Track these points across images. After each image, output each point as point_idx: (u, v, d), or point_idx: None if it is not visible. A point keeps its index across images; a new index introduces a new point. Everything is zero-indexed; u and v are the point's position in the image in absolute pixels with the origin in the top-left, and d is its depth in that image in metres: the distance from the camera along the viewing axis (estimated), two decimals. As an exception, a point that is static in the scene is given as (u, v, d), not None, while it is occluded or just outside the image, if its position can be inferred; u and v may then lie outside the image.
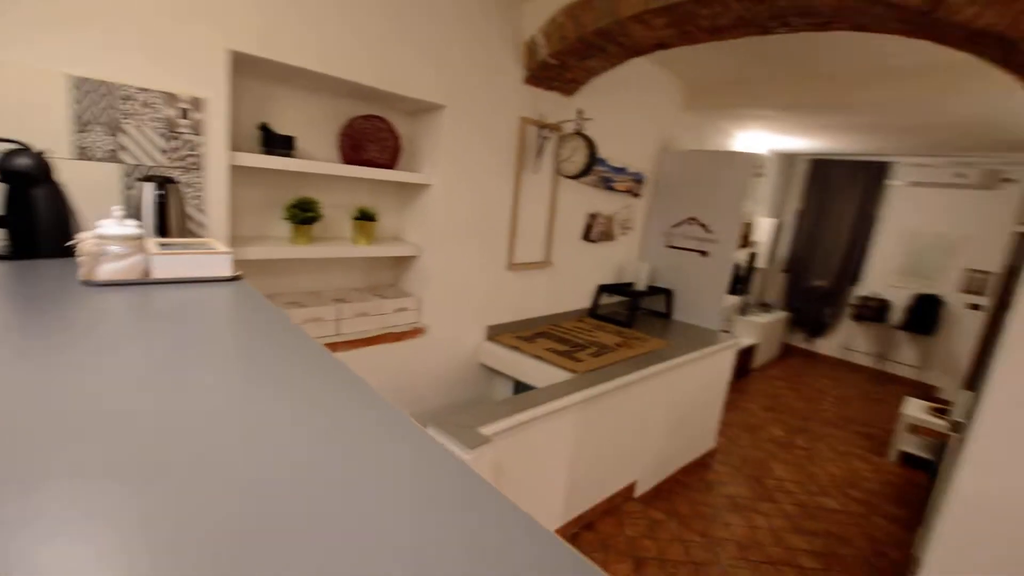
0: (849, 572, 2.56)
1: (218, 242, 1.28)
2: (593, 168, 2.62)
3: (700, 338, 3.26)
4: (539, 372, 2.53)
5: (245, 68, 1.75)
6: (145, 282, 1.05)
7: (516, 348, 2.65)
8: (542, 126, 2.70)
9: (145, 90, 1.46)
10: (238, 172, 1.78)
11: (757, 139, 5.06)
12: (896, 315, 5.81)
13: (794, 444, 3.94)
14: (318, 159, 2.15)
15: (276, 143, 1.89)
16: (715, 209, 3.50)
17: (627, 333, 3.13)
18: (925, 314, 5.57)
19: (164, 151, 1.53)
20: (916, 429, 3.79)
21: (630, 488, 2.82)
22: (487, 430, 1.76)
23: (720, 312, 3.56)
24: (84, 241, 1.10)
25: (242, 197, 1.93)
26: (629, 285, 3.68)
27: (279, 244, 1.96)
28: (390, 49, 1.95)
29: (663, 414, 2.88)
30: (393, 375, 2.41)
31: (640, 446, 2.78)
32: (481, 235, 2.57)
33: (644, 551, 2.41)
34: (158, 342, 0.78)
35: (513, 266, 2.77)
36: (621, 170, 3.35)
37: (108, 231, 1.02)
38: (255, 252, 1.83)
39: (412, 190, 2.44)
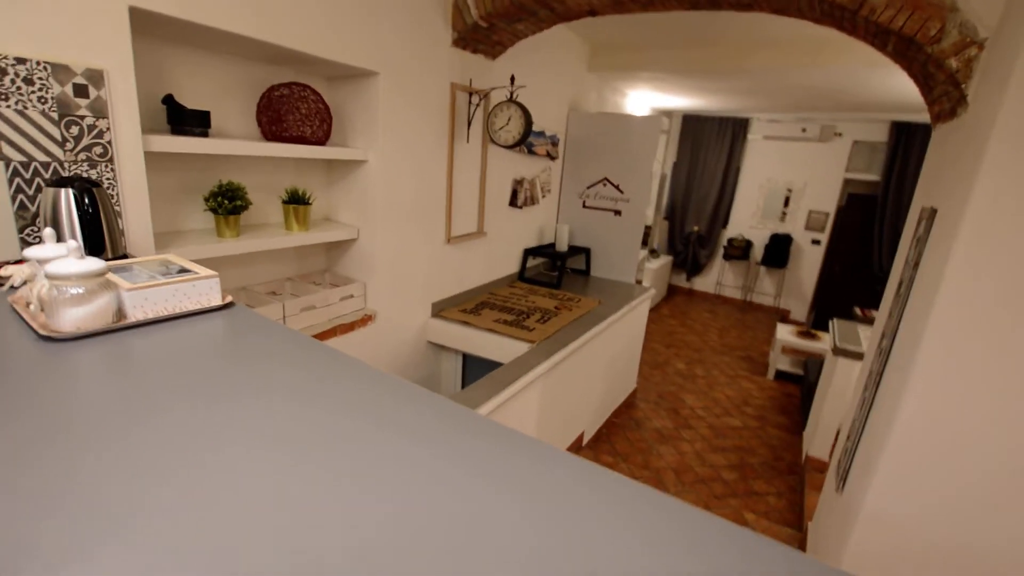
0: (759, 477, 3.07)
1: (183, 260, 1.07)
2: (529, 137, 2.59)
3: (622, 292, 3.51)
4: (492, 344, 2.55)
5: (138, 27, 1.41)
6: (121, 328, 0.85)
7: (466, 323, 2.62)
8: (471, 92, 2.58)
9: (23, 60, 1.12)
10: (147, 159, 1.47)
11: (644, 98, 5.37)
12: (757, 253, 6.76)
13: (695, 374, 4.50)
14: (234, 136, 1.85)
15: (187, 120, 1.58)
16: (626, 170, 3.69)
17: (559, 295, 3.25)
18: (779, 251, 6.56)
19: (60, 141, 1.21)
20: (787, 350, 4.53)
21: (579, 439, 3.03)
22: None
23: (635, 266, 3.84)
24: (20, 278, 0.86)
25: (151, 188, 1.60)
26: (551, 246, 3.79)
27: (204, 240, 1.68)
28: (315, 7, 1.70)
29: (602, 367, 3.10)
30: None
31: (586, 400, 2.98)
32: (420, 210, 2.44)
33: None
34: (214, 413, 0.66)
35: (452, 239, 2.70)
36: (539, 133, 3.36)
37: (64, 269, 0.80)
38: (182, 254, 1.55)
39: (344, 167, 2.21)
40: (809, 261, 6.46)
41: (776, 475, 3.10)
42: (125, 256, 1.17)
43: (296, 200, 1.98)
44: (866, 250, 6.15)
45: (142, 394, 0.66)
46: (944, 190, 1.48)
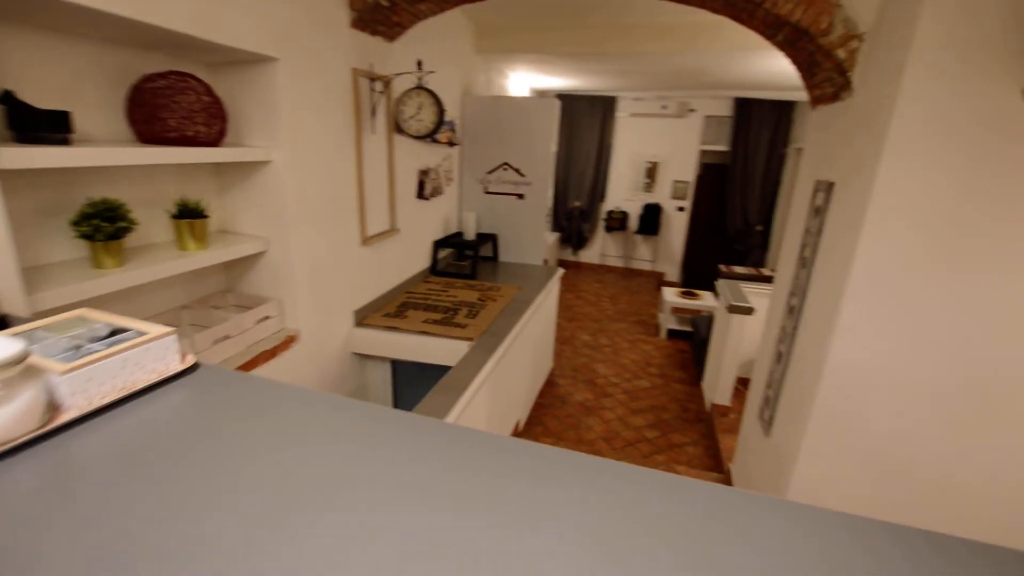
0: (675, 430, 3.38)
1: (104, 314, 0.82)
2: (442, 126, 2.46)
3: (534, 275, 3.56)
4: (425, 347, 2.42)
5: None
6: (58, 428, 0.63)
7: (394, 328, 2.46)
8: (373, 78, 2.36)
9: None
10: (-9, 178, 1.10)
11: (523, 79, 5.42)
12: (633, 223, 7.33)
13: (601, 344, 4.78)
14: (99, 141, 1.48)
15: (39, 124, 1.21)
16: (525, 153, 3.71)
17: (477, 285, 3.20)
18: (651, 219, 7.18)
19: None
20: (675, 310, 5.01)
21: (516, 427, 3.05)
22: (444, 428, 1.66)
23: (542, 248, 3.92)
24: None
25: (-7, 215, 1.22)
26: (458, 236, 3.70)
27: (78, 275, 1.33)
28: (196, -22, 1.40)
29: (529, 352, 3.14)
30: None
31: (519, 388, 3.00)
32: (334, 212, 2.20)
33: (553, 476, 2.70)
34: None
35: (367, 240, 2.48)
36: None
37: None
38: (57, 297, 1.21)
39: (240, 170, 1.89)
40: (677, 227, 7.17)
41: (688, 425, 3.44)
42: (3, 320, 0.87)
43: (190, 213, 1.65)
44: (721, 213, 7.01)
45: (118, 542, 0.49)
46: (840, 165, 1.71)
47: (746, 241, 6.78)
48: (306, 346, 2.11)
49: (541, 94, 6.71)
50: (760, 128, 6.32)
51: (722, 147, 6.71)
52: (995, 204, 1.35)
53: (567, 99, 6.94)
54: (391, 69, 2.50)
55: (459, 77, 3.54)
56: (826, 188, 1.79)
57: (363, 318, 2.53)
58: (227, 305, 2.02)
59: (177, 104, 1.58)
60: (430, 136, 2.48)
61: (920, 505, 1.64)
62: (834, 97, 1.86)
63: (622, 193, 7.29)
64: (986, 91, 1.30)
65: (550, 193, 3.93)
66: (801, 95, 5.58)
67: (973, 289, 1.43)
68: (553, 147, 3.73)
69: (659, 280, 7.31)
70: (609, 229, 7.35)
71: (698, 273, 7.25)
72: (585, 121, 6.97)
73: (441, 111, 2.38)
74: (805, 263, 1.90)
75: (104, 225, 1.36)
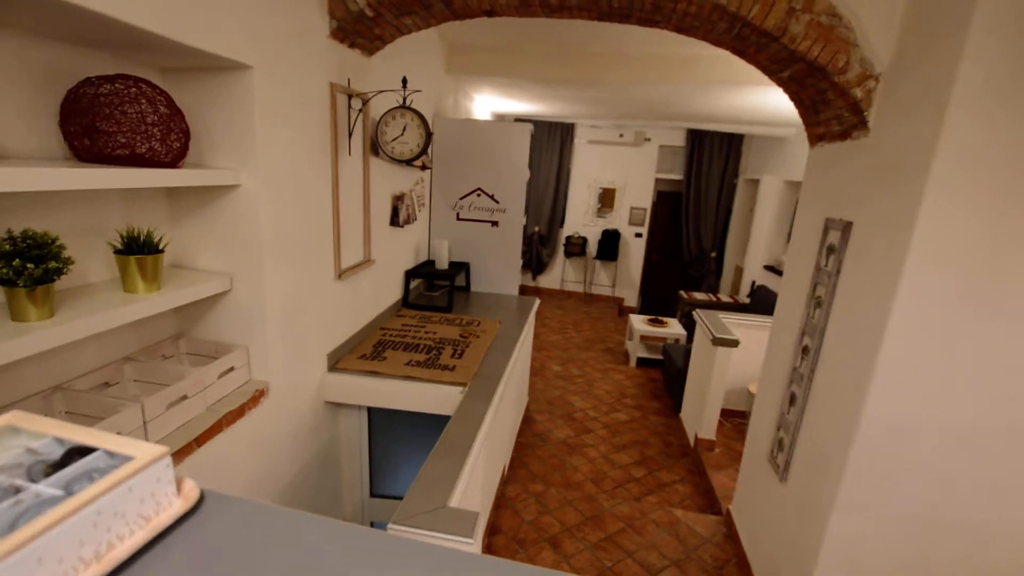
0: (661, 466, 3.27)
1: (53, 423, 0.56)
2: (429, 148, 2.26)
3: (510, 306, 3.39)
4: (409, 393, 2.17)
5: None
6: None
7: (374, 372, 2.18)
8: (351, 95, 2.14)
9: None
10: None
11: (487, 102, 5.32)
12: (592, 248, 7.35)
13: (572, 375, 4.65)
14: (24, 156, 1.17)
15: (-60, 135, 0.91)
16: (499, 179, 3.56)
17: (456, 319, 2.98)
18: (610, 245, 7.22)
19: None
20: (645, 338, 4.98)
21: (503, 473, 2.81)
22: (457, 500, 1.43)
23: (517, 277, 3.75)
24: None
25: None
26: (429, 264, 3.47)
27: (-9, 333, 1.02)
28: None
29: (513, 390, 2.93)
30: (246, 466, 1.66)
31: (506, 430, 2.78)
32: (308, 243, 1.93)
33: (549, 528, 2.48)
34: None
35: (342, 274, 2.21)
36: (413, 142, 3.01)
37: None
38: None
39: (200, 195, 1.60)
40: (635, 252, 7.26)
41: (673, 461, 3.34)
42: None
43: (140, 247, 1.35)
44: (677, 239, 7.17)
45: None
46: (861, 205, 1.67)
47: (701, 267, 6.96)
48: (276, 400, 1.80)
49: (500, 118, 6.64)
50: (712, 159, 6.56)
51: (677, 176, 6.90)
52: (1032, 248, 1.34)
53: (515, 122, 6.92)
54: (368, 86, 2.28)
55: (430, 98, 3.36)
56: (842, 227, 1.75)
57: (337, 361, 2.24)
58: (179, 354, 1.69)
59: (126, 115, 1.29)
60: (415, 160, 2.27)
61: (959, 561, 1.59)
62: (843, 136, 1.84)
63: (581, 219, 7.31)
64: (1016, 134, 1.28)
65: (523, 221, 3.79)
66: (751, 129, 5.85)
67: (1010, 336, 1.40)
68: (526, 174, 3.61)
69: (619, 305, 7.34)
70: (569, 255, 7.33)
71: (656, 298, 7.36)
72: (544, 147, 6.96)
73: (428, 134, 2.19)
74: (820, 303, 1.85)
75: (29, 266, 1.05)
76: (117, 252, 1.34)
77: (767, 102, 3.98)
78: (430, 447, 2.50)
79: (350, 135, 2.18)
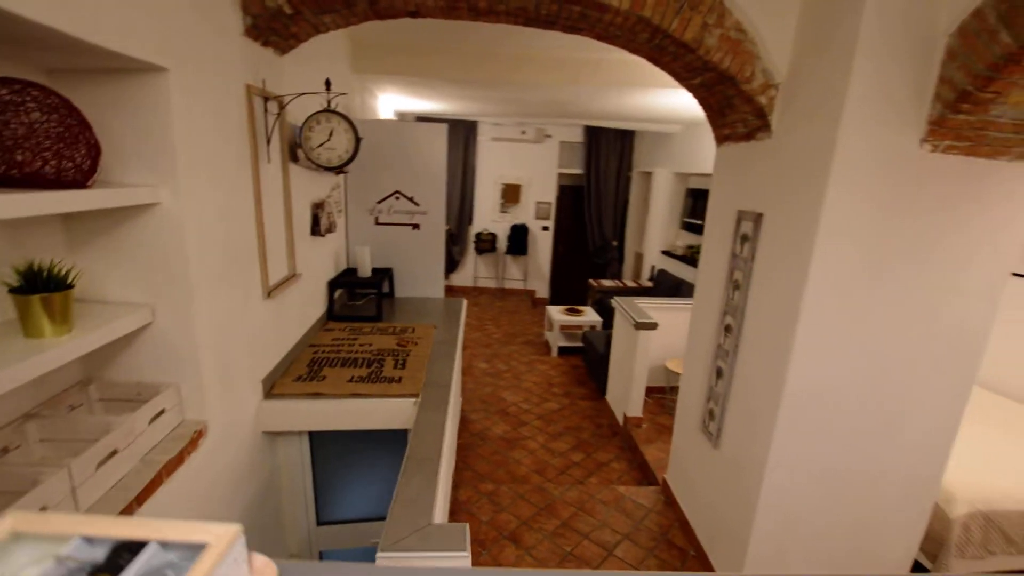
0: (597, 448, 3.45)
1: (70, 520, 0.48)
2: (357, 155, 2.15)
3: (439, 308, 3.36)
4: (355, 411, 2.08)
5: None
6: None
7: (316, 394, 2.05)
8: (267, 98, 1.97)
9: None
10: None
11: (390, 101, 5.16)
12: (502, 244, 7.46)
13: (499, 370, 4.72)
14: None
15: None
16: (418, 181, 3.49)
17: (388, 327, 2.89)
18: (519, 239, 7.39)
19: None
20: (564, 328, 5.18)
21: (451, 478, 2.79)
22: (439, 515, 1.41)
23: (441, 279, 3.71)
24: None
25: None
26: (350, 273, 3.31)
27: None
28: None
29: (453, 394, 2.92)
30: (191, 518, 1.47)
31: (450, 436, 2.76)
32: (234, 262, 1.75)
33: (506, 525, 2.52)
34: None
35: (271, 291, 2.04)
36: (327, 145, 2.84)
37: None
38: None
39: (109, 217, 1.39)
40: (543, 245, 7.50)
41: (606, 441, 3.55)
42: None
43: (45, 283, 1.14)
44: (581, 231, 7.53)
45: None
46: (770, 198, 1.90)
47: (604, 256, 7.39)
48: (216, 440, 1.63)
49: (402, 117, 6.48)
50: (608, 154, 6.97)
51: (577, 170, 7.23)
52: (907, 227, 1.63)
53: (428, 122, 6.81)
54: (282, 87, 2.12)
55: (340, 98, 3.18)
56: (754, 218, 1.98)
57: (272, 387, 2.06)
58: (91, 402, 1.46)
59: (10, 128, 1.10)
60: (342, 168, 2.15)
61: (860, 501, 1.90)
62: (748, 137, 2.08)
63: (489, 215, 7.38)
64: (894, 139, 1.55)
65: (444, 222, 3.75)
66: (642, 126, 6.30)
67: (891, 301, 1.70)
68: (444, 174, 3.58)
69: (532, 298, 7.54)
70: (480, 251, 7.37)
71: (566, 288, 7.67)
72: (450, 145, 6.89)
73: (358, 139, 2.08)
74: (738, 286, 2.08)
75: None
76: (14, 291, 1.12)
77: (658, 102, 4.33)
78: (378, 464, 2.42)
79: (268, 141, 2.01)
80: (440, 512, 1.46)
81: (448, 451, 1.97)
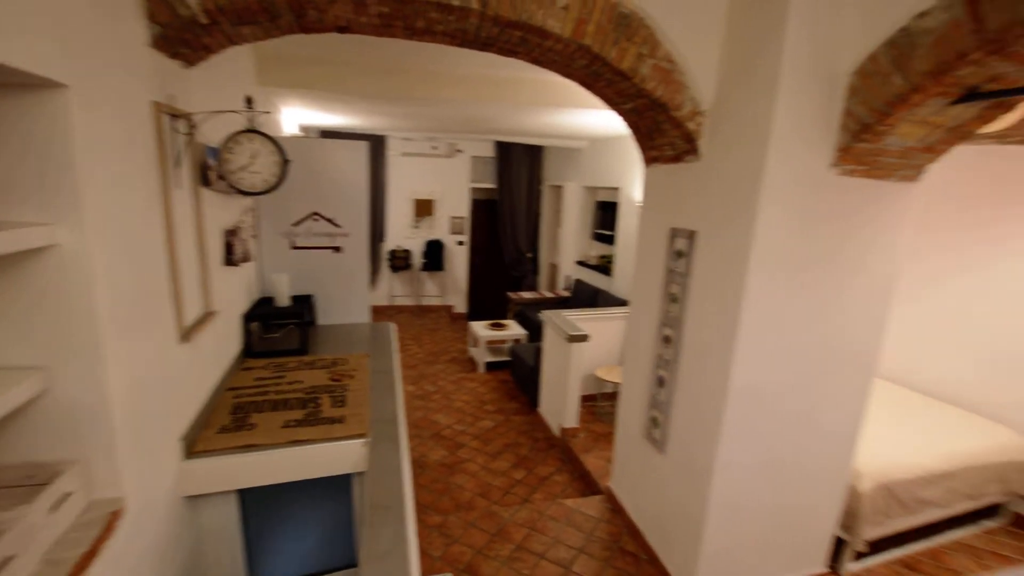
0: (537, 463, 3.47)
1: None
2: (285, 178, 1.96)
3: (369, 335, 3.19)
4: (300, 460, 1.89)
5: None
6: None
7: (249, 446, 1.83)
8: (175, 116, 1.74)
9: None
10: None
11: (293, 115, 4.83)
12: (417, 260, 7.28)
13: (428, 392, 4.58)
14: None
15: None
16: (338, 201, 3.29)
17: (316, 361, 2.68)
18: (434, 255, 7.27)
19: None
20: (490, 343, 5.16)
21: (397, 516, 2.63)
22: (415, 566, 1.31)
23: (367, 304, 3.52)
24: None
25: None
26: (265, 303, 3.02)
27: None
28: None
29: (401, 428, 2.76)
30: None
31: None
32: (145, 306, 1.51)
33: (460, 557, 2.42)
34: None
35: (187, 334, 1.79)
36: (236, 165, 2.57)
37: None
38: None
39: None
40: (459, 260, 7.45)
41: (544, 455, 3.57)
42: None
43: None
44: (496, 244, 7.59)
45: None
46: (702, 217, 2.04)
47: (520, 268, 7.51)
48: (136, 518, 1.38)
49: (306, 131, 6.10)
50: (520, 168, 7.12)
51: (490, 184, 7.29)
52: (820, 239, 1.84)
53: (335, 137, 6.48)
54: (192, 103, 1.89)
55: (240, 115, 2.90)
56: (687, 235, 2.12)
57: (193, 444, 1.80)
58: (-36, 495, 1.16)
59: None
60: (269, 191, 1.95)
61: (791, 487, 2.10)
62: (676, 159, 2.22)
63: (402, 231, 7.18)
64: (810, 163, 1.75)
65: (367, 244, 3.57)
66: (550, 141, 6.52)
67: (810, 306, 1.90)
68: (366, 194, 3.42)
69: (450, 313, 7.44)
70: (395, 269, 7.14)
71: (484, 301, 7.67)
72: (356, 159, 6.61)
73: (285, 161, 1.91)
74: (675, 299, 2.21)
75: None
76: None
77: (570, 121, 4.52)
78: (315, 515, 2.21)
79: (178, 164, 1.77)
80: (416, 566, 1.35)
81: (409, 493, 1.85)
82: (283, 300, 3.00)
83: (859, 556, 2.46)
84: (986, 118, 1.62)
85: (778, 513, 2.14)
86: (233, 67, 2.72)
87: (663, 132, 2.17)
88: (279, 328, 3.06)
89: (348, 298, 3.43)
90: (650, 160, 2.44)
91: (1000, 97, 1.41)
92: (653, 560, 2.41)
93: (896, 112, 1.51)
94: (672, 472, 2.26)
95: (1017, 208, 2.83)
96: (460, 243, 7.40)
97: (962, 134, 1.69)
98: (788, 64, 1.64)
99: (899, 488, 2.34)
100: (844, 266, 1.91)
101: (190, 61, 1.85)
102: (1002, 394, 2.86)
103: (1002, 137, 2.69)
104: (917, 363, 3.29)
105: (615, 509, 2.80)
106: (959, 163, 2.97)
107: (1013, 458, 2.64)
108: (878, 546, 2.49)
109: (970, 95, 1.44)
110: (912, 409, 2.97)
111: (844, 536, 2.37)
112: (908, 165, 1.81)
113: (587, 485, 3.18)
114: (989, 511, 2.83)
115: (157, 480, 1.54)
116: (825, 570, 2.35)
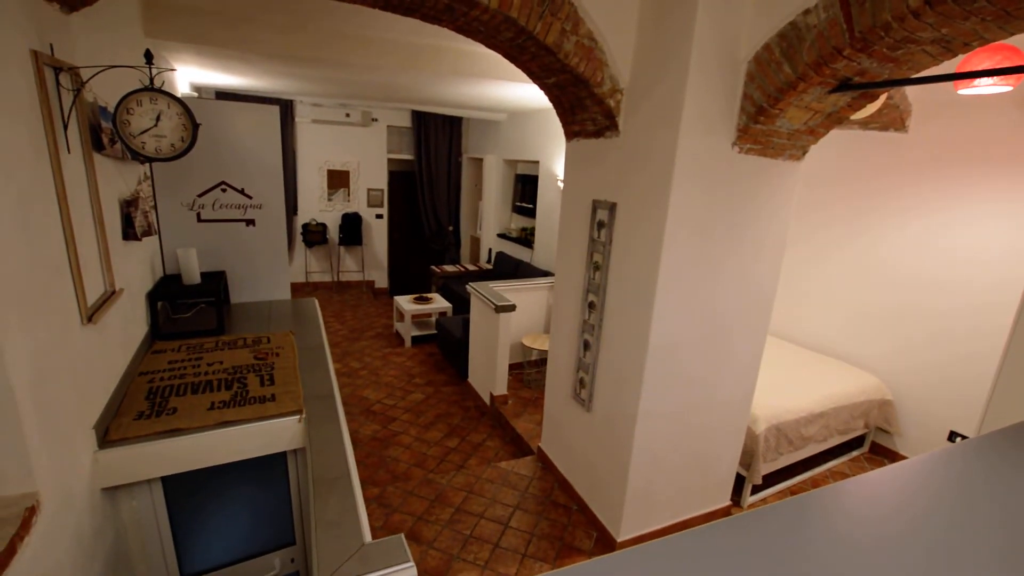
0: (469, 430, 3.58)
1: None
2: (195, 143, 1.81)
3: (291, 312, 3.07)
4: (231, 442, 1.82)
5: None
6: None
7: (173, 431, 1.73)
8: (59, 69, 1.54)
9: None
10: None
11: (186, 74, 4.37)
12: (334, 234, 6.97)
13: (354, 368, 4.50)
14: None
15: None
16: (249, 170, 3.08)
17: (236, 340, 2.55)
18: (352, 229, 6.99)
19: None
20: (415, 317, 5.13)
21: (332, 491, 2.61)
22: (368, 533, 1.35)
23: (286, 279, 3.37)
24: None
25: None
26: (173, 280, 2.80)
27: None
28: None
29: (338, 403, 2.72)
30: None
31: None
32: (44, 282, 1.37)
33: (402, 525, 2.47)
34: None
35: (92, 315, 1.64)
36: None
37: None
38: None
39: None
40: (378, 234, 7.23)
41: (476, 423, 3.69)
42: None
43: None
44: (415, 217, 7.46)
45: None
46: (622, 190, 2.19)
47: (441, 241, 7.46)
48: (55, 511, 1.28)
49: (200, 92, 5.54)
50: (438, 139, 6.99)
51: (408, 156, 7.10)
52: (723, 211, 2.05)
53: (232, 99, 5.94)
54: (76, 55, 1.68)
55: (131, 70, 2.60)
56: (609, 207, 2.26)
57: (106, 432, 1.67)
58: None
59: None
60: (177, 158, 1.80)
61: (699, 435, 2.37)
62: (597, 134, 2.34)
63: (316, 204, 6.82)
64: (714, 142, 1.94)
65: (284, 215, 3.38)
66: (469, 113, 6.46)
67: (717, 270, 2.13)
68: (280, 162, 3.23)
69: (371, 289, 7.25)
70: (309, 244, 6.79)
71: (405, 276, 7.55)
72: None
73: (195, 124, 1.76)
74: (598, 266, 2.36)
75: None
76: None
77: (490, 93, 4.52)
78: (245, 496, 2.15)
79: (66, 126, 1.58)
80: (367, 529, 1.39)
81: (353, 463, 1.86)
82: (193, 277, 2.79)
83: (755, 489, 2.85)
84: (855, 106, 1.89)
85: (690, 456, 2.43)
86: (115, 14, 2.42)
87: (585, 107, 2.27)
88: (190, 308, 2.86)
89: (266, 274, 3.26)
90: (572, 135, 2.55)
91: (866, 88, 1.65)
92: (583, 508, 2.63)
93: (786, 97, 1.72)
94: (599, 427, 2.46)
95: (877, 183, 3.31)
96: (379, 216, 7.18)
97: (837, 119, 1.96)
98: (697, 50, 1.79)
99: (787, 427, 2.73)
100: (744, 235, 2.15)
101: (69, 6, 1.63)
102: (866, 346, 3.41)
103: (865, 123, 3.12)
104: (799, 321, 3.79)
105: (547, 467, 2.99)
106: (835, 146, 3.40)
107: (872, 397, 3.17)
108: (770, 480, 2.91)
109: (843, 85, 1.68)
110: (796, 360, 3.44)
111: (743, 473, 2.74)
112: (795, 146, 2.07)
113: (519, 448, 3.35)
114: (856, 442, 3.39)
115: (72, 472, 1.43)
116: (729, 503, 2.70)
